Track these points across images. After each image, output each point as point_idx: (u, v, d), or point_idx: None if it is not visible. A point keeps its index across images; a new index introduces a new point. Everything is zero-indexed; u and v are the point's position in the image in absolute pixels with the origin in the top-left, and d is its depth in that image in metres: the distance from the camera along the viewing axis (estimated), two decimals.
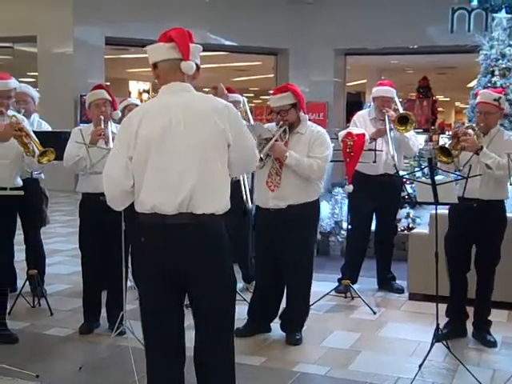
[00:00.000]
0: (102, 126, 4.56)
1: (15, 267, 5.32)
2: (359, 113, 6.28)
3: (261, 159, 4.40)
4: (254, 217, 4.91)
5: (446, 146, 4.48)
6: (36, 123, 5.53)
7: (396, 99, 6.01)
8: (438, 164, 4.43)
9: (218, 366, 2.98)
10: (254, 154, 3.10)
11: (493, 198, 4.51)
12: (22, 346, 4.51)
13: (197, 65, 2.95)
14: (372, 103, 6.19)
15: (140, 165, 2.80)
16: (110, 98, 4.71)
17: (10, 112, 4.47)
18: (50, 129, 5.55)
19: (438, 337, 4.20)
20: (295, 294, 4.71)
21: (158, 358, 2.97)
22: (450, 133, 4.65)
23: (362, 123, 5.93)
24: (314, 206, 4.72)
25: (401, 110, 5.94)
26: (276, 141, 4.48)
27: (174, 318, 2.96)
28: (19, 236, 4.97)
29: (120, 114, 4.98)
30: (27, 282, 5.48)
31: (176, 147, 2.78)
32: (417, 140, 5.96)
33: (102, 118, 4.60)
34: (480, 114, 4.56)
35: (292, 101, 4.58)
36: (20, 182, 4.52)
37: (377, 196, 5.81)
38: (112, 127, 4.64)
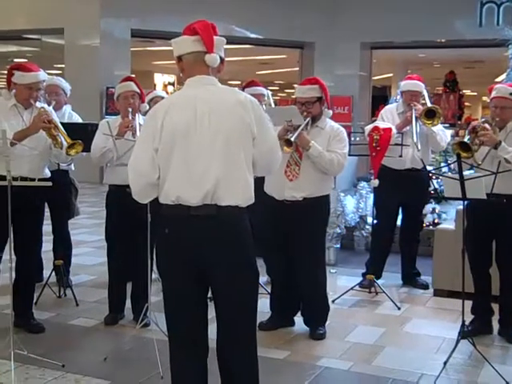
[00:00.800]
0: (130, 118, 4.58)
1: (42, 257, 5.38)
2: (387, 107, 6.24)
3: (291, 143, 4.40)
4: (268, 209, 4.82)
5: (466, 140, 4.43)
6: (67, 115, 5.56)
7: (425, 93, 5.95)
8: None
9: (241, 360, 2.99)
10: (277, 148, 3.06)
11: (511, 193, 4.45)
12: (48, 336, 4.56)
13: (221, 57, 2.95)
14: (400, 97, 6.14)
15: (165, 156, 2.81)
16: (138, 91, 4.74)
17: (39, 104, 4.51)
18: (80, 120, 5.59)
19: (463, 333, 4.16)
20: (310, 291, 4.70)
21: (182, 350, 2.98)
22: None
23: (390, 118, 5.89)
24: (327, 201, 4.74)
25: (428, 102, 5.88)
26: (302, 130, 4.48)
27: (198, 310, 2.97)
28: (47, 226, 5.01)
29: (147, 107, 4.99)
30: (53, 273, 5.54)
31: (201, 139, 2.80)
32: (445, 135, 5.89)
33: (130, 109, 4.63)
34: (496, 109, 4.51)
35: (319, 94, 4.60)
36: (48, 174, 4.57)
37: (403, 191, 5.77)
38: (139, 119, 4.66)
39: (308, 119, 4.54)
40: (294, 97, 4.75)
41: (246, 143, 2.86)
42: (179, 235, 2.85)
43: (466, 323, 4.26)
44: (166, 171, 2.83)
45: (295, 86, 4.74)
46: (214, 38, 2.89)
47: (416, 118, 5.64)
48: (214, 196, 2.80)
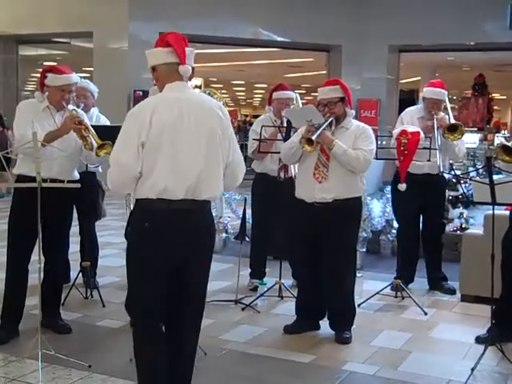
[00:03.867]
0: None
1: (69, 259, 5.43)
2: (407, 109, 6.18)
3: (312, 143, 4.41)
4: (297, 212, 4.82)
5: (509, 144, 4.37)
6: (95, 117, 5.62)
7: (447, 101, 5.90)
8: (501, 163, 4.31)
9: (193, 336, 3.33)
10: (242, 162, 3.32)
11: None
12: (75, 337, 4.60)
13: (192, 67, 3.22)
14: (422, 102, 6.11)
15: (153, 151, 3.01)
16: None
17: (70, 106, 4.56)
18: (108, 123, 5.63)
19: (478, 339, 4.19)
20: (337, 294, 4.67)
21: (147, 334, 3.21)
22: (506, 131, 4.52)
23: (409, 121, 5.85)
24: (358, 203, 4.72)
25: (450, 112, 5.82)
26: (324, 129, 4.47)
27: (162, 296, 3.16)
28: (74, 228, 5.06)
29: None
30: (80, 274, 5.58)
31: (187, 136, 3.05)
32: (463, 146, 5.85)
33: None
34: None
35: (340, 94, 4.60)
36: (77, 175, 4.61)
37: (421, 195, 5.74)
38: None
39: (331, 119, 4.54)
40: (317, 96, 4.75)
41: (223, 144, 3.16)
42: (159, 228, 3.05)
43: (486, 329, 4.22)
44: (152, 165, 3.02)
45: (318, 88, 4.73)
46: (187, 49, 3.16)
47: (438, 128, 5.61)
48: (196, 190, 3.05)
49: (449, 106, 5.95)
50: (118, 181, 3.11)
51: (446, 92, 5.88)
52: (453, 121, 5.71)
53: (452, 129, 5.63)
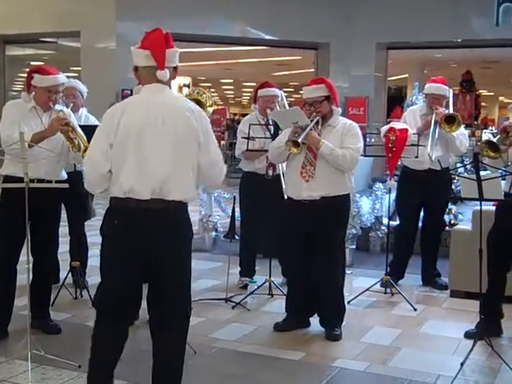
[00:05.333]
0: None
1: (58, 259, 5.42)
2: (410, 108, 6.26)
3: (298, 145, 4.41)
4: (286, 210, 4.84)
5: (494, 140, 4.39)
6: (84, 117, 5.60)
7: (450, 97, 5.91)
8: (486, 160, 4.33)
9: (175, 338, 3.33)
10: (219, 162, 3.32)
11: None
12: (65, 337, 4.59)
13: (175, 67, 3.26)
14: (424, 99, 6.14)
15: (120, 151, 3.09)
16: None
17: (58, 107, 4.54)
18: (97, 122, 5.61)
19: (468, 334, 4.25)
20: (327, 291, 4.69)
21: (107, 324, 3.29)
22: (494, 128, 4.55)
23: (412, 120, 5.89)
24: (346, 201, 4.72)
25: (451, 108, 5.84)
26: (310, 130, 4.48)
27: (133, 292, 3.23)
28: (63, 228, 5.04)
29: None
30: (70, 274, 5.57)
31: (154, 138, 3.09)
32: (465, 139, 5.87)
33: None
34: None
35: (326, 93, 4.60)
36: (65, 175, 4.60)
37: (423, 191, 5.77)
38: None
39: (317, 118, 4.54)
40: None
41: (192, 147, 3.16)
42: (128, 227, 3.10)
43: (475, 324, 4.25)
44: (120, 166, 3.09)
45: (303, 87, 4.73)
46: (168, 51, 3.17)
47: (436, 121, 5.62)
48: (163, 191, 3.08)
49: (451, 103, 5.95)
50: (88, 178, 3.24)
51: (448, 89, 5.89)
52: (451, 110, 5.72)
53: (450, 120, 5.64)
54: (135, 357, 4.21)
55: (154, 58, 3.15)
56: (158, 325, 3.29)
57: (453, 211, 7.31)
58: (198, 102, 6.07)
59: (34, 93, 4.46)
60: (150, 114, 3.11)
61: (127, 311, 3.32)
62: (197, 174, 3.23)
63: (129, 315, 3.40)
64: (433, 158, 5.54)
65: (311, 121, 4.52)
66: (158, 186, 3.07)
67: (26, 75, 4.53)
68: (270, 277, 5.61)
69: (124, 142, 3.09)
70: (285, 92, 6.23)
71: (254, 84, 22.04)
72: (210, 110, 6.17)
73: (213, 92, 21.65)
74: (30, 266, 4.15)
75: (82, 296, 5.44)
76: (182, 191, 3.14)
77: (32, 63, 13.34)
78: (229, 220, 5.85)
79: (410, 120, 5.87)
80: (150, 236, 3.09)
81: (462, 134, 5.79)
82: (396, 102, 12.54)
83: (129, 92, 11.94)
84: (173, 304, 3.25)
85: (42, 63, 12.82)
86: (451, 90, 5.97)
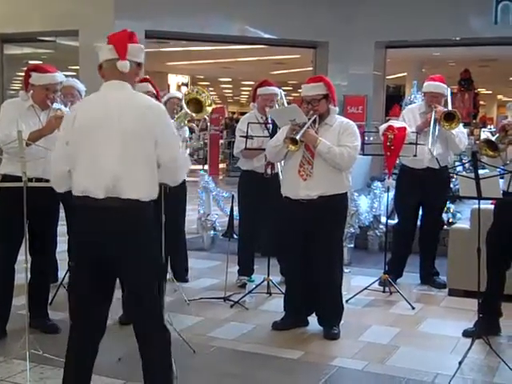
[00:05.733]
0: None
1: (57, 258, 5.41)
2: (409, 107, 6.26)
3: (296, 142, 4.41)
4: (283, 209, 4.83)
5: (493, 139, 4.39)
6: None
7: (449, 96, 5.91)
8: (485, 158, 4.33)
9: (153, 341, 3.20)
10: (180, 159, 3.20)
11: None
12: (63, 336, 4.52)
13: (138, 63, 3.23)
14: (422, 97, 6.14)
15: (75, 150, 3.07)
16: (154, 91, 4.77)
17: (56, 105, 4.53)
18: None
19: (467, 333, 4.30)
20: (326, 290, 4.69)
21: (78, 330, 3.21)
22: (492, 126, 4.55)
23: (411, 118, 5.89)
24: (343, 199, 4.72)
25: (449, 106, 5.84)
26: (308, 128, 4.48)
27: (94, 294, 3.16)
28: (62, 227, 5.03)
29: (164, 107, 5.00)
30: (68, 273, 5.55)
31: (106, 136, 3.03)
32: (464, 137, 5.86)
33: None
34: None
35: (324, 91, 4.60)
36: None
37: (422, 190, 5.77)
38: None
39: (314, 116, 4.54)
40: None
41: (147, 143, 3.05)
42: (86, 225, 3.09)
43: (473, 323, 4.26)
44: (75, 164, 3.08)
45: (302, 85, 4.73)
46: (130, 45, 3.17)
47: (435, 120, 5.63)
48: (116, 189, 3.00)
49: (450, 101, 5.94)
50: (52, 177, 3.28)
51: (447, 87, 5.89)
52: (450, 108, 5.71)
53: (449, 117, 5.64)
54: (134, 357, 4.20)
55: (116, 51, 3.14)
56: (138, 336, 3.22)
57: (451, 210, 7.31)
58: (197, 101, 6.08)
59: (31, 91, 4.45)
60: (103, 110, 3.07)
61: (92, 311, 3.21)
62: (157, 172, 3.12)
63: (96, 315, 3.24)
64: (434, 153, 5.54)
65: (309, 119, 4.52)
66: (111, 184, 3.01)
67: (23, 74, 4.53)
68: (268, 276, 5.60)
69: (78, 139, 3.07)
70: (283, 91, 6.23)
71: (252, 83, 22.03)
72: (209, 109, 6.14)
73: (211, 91, 21.65)
74: (28, 265, 4.14)
75: None
76: (137, 189, 3.05)
77: (30, 62, 13.32)
78: (227, 219, 5.84)
79: (408, 118, 5.87)
80: (108, 235, 3.04)
81: (461, 132, 5.80)
82: (394, 100, 12.53)
83: None
84: (147, 317, 3.17)
85: (41, 62, 12.79)
86: (449, 89, 5.97)
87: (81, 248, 3.15)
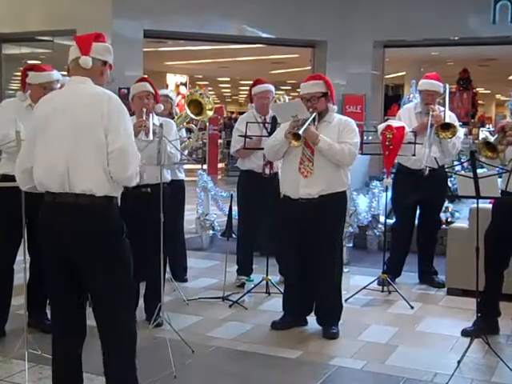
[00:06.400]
0: (144, 117, 4.60)
1: None
2: (405, 106, 6.26)
3: (299, 137, 4.42)
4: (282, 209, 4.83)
5: (491, 140, 4.40)
6: None
7: (447, 94, 5.90)
8: (483, 158, 4.34)
9: (117, 343, 3.16)
10: (130, 152, 3.04)
11: None
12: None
13: (104, 62, 3.20)
14: (418, 96, 6.14)
15: (32, 145, 3.09)
16: (152, 91, 4.77)
17: None
18: None
19: (465, 332, 4.36)
20: (325, 290, 4.70)
21: (57, 333, 3.23)
22: (491, 126, 4.55)
23: (407, 117, 5.88)
24: (343, 198, 4.73)
25: (447, 108, 5.81)
26: (309, 124, 4.48)
27: (66, 293, 3.15)
28: None
29: (162, 107, 5.01)
30: None
31: (56, 130, 3.02)
32: (458, 142, 5.85)
33: (145, 110, 4.65)
34: None
35: (323, 89, 4.61)
36: None
37: (420, 190, 5.77)
38: (154, 119, 4.68)
39: (314, 114, 4.54)
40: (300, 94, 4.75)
41: (96, 134, 2.98)
42: (46, 221, 3.08)
43: (472, 322, 4.26)
44: (33, 160, 3.08)
45: (301, 83, 4.73)
46: (95, 43, 3.16)
47: (432, 124, 5.63)
48: (68, 183, 2.98)
49: (447, 99, 5.93)
50: (16, 175, 3.24)
51: (443, 84, 5.88)
52: (448, 120, 5.70)
53: (445, 127, 5.65)
54: None
55: (79, 48, 3.14)
56: (101, 343, 3.17)
57: (449, 209, 7.32)
58: (198, 104, 6.07)
59: (29, 91, 4.45)
60: (55, 105, 3.07)
61: (66, 313, 3.19)
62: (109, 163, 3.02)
63: (70, 318, 3.20)
64: (431, 154, 5.55)
65: (310, 114, 4.52)
66: (62, 178, 2.98)
67: (20, 74, 4.53)
68: (267, 275, 5.60)
69: (33, 135, 3.10)
70: (282, 90, 6.23)
71: (250, 82, 22.02)
72: (210, 113, 6.15)
73: (210, 90, 21.62)
74: (27, 265, 4.14)
75: None
76: (89, 183, 2.98)
77: (28, 62, 13.31)
78: (226, 218, 5.84)
79: (404, 118, 5.87)
80: (63, 232, 3.01)
81: (456, 136, 5.78)
82: (393, 99, 12.55)
83: (125, 91, 11.92)
84: (110, 328, 3.13)
85: (39, 62, 12.77)
86: (447, 85, 5.95)
87: (44, 247, 3.14)
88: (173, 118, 5.62)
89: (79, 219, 2.99)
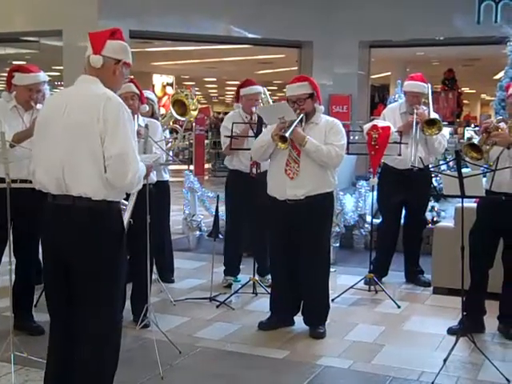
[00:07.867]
0: None
1: (40, 260, 5.37)
2: (389, 106, 6.28)
3: (286, 140, 4.42)
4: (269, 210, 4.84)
5: (475, 142, 4.43)
6: None
7: (429, 94, 5.93)
8: (467, 158, 4.36)
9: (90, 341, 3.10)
10: (127, 158, 2.93)
11: None
12: (48, 339, 4.55)
13: (118, 60, 3.09)
14: (403, 97, 6.17)
15: (34, 148, 3.13)
16: (138, 92, 4.75)
17: (39, 106, 4.50)
18: None
19: (452, 331, 4.35)
20: (312, 290, 4.71)
21: (53, 337, 3.26)
22: (476, 127, 4.58)
23: (391, 117, 5.91)
24: (330, 199, 4.74)
25: (430, 106, 5.84)
26: (295, 126, 4.49)
27: (61, 292, 3.12)
28: None
29: (147, 108, 4.99)
30: None
31: (55, 130, 2.98)
32: (444, 139, 5.89)
33: (130, 111, 4.62)
34: None
35: (309, 91, 4.62)
36: None
37: (405, 189, 5.79)
38: (139, 120, 4.66)
39: (301, 116, 4.55)
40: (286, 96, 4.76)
41: (91, 139, 2.90)
42: (47, 221, 3.08)
43: (458, 321, 4.29)
44: (33, 160, 3.12)
45: (287, 85, 4.73)
46: (110, 41, 3.06)
47: (417, 123, 5.66)
48: (65, 185, 2.94)
49: (431, 99, 5.96)
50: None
51: (427, 85, 5.91)
52: (432, 115, 5.74)
53: (430, 123, 5.68)
54: (119, 357, 4.19)
55: (91, 45, 3.07)
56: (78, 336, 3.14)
57: (435, 208, 7.36)
58: (182, 104, 6.07)
59: (14, 92, 4.42)
60: (58, 104, 3.02)
61: (61, 312, 3.17)
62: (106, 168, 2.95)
63: (65, 317, 3.16)
64: (417, 154, 5.58)
65: (297, 116, 4.53)
66: (59, 181, 2.95)
67: (6, 74, 4.51)
68: (254, 275, 5.61)
69: (36, 137, 3.11)
70: (268, 90, 6.24)
71: (237, 82, 22.00)
72: (194, 113, 6.15)
73: (196, 91, 21.59)
74: (13, 267, 4.12)
75: None
76: (85, 186, 2.92)
77: (13, 63, 13.23)
78: (213, 219, 5.83)
79: (389, 118, 5.89)
80: (60, 234, 3.00)
81: (441, 134, 5.81)
82: (379, 100, 12.58)
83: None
84: (85, 322, 3.09)
85: (24, 63, 12.71)
86: (430, 86, 5.98)
87: (43, 247, 3.16)
88: (157, 119, 5.61)
89: (76, 222, 2.96)
